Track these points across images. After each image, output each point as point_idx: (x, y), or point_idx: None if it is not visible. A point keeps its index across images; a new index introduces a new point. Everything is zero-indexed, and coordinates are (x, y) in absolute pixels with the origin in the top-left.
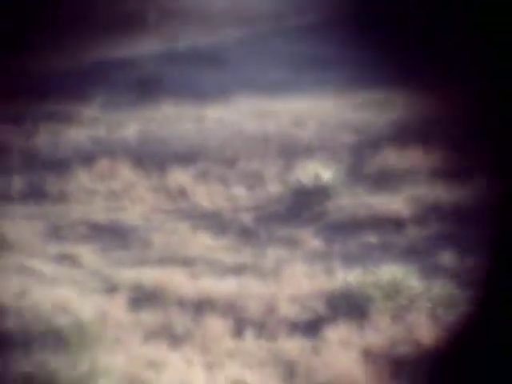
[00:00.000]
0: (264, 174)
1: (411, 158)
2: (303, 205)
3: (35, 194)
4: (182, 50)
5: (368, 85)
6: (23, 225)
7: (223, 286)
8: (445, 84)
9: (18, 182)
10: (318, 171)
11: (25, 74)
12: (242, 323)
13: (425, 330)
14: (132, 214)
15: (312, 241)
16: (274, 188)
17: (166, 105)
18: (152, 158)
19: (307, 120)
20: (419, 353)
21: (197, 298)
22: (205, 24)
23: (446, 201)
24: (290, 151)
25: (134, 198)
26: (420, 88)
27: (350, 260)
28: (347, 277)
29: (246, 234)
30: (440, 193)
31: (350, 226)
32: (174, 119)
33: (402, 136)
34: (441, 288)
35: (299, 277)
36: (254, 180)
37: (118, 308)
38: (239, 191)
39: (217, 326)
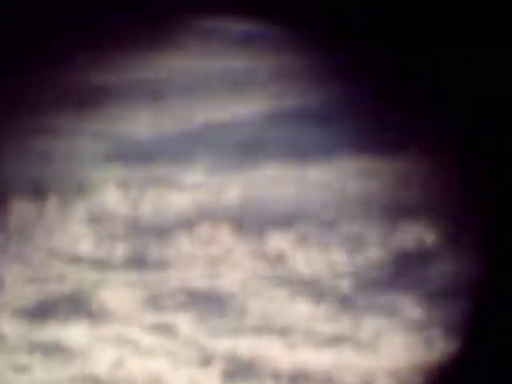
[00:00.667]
0: (365, 238)
1: None
2: (405, 270)
3: (136, 262)
4: (287, 109)
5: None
6: (123, 293)
7: (319, 358)
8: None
9: (119, 250)
10: (422, 235)
11: (127, 139)
12: None
13: None
14: (230, 281)
15: (412, 309)
16: (374, 252)
17: (269, 167)
18: (252, 222)
19: (411, 180)
20: None
21: (292, 370)
22: (309, 82)
23: None
24: (394, 213)
25: (232, 263)
26: None
27: (450, 330)
28: (446, 349)
29: (344, 302)
30: None
31: (451, 294)
32: (275, 181)
33: None
34: None
35: (397, 348)
36: (355, 244)
37: (211, 380)
38: (339, 256)
39: None
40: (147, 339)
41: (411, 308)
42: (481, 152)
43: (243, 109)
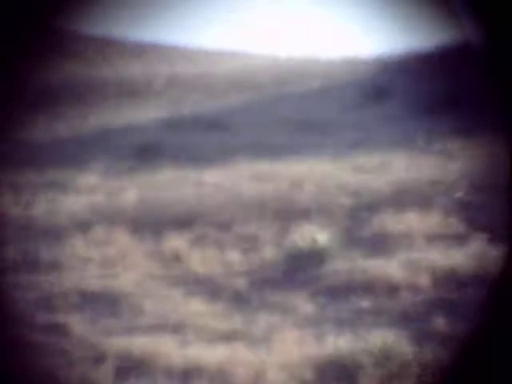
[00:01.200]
0: (259, 238)
1: (408, 221)
2: (298, 269)
3: (27, 264)
4: (184, 116)
5: (368, 148)
6: (14, 296)
7: (212, 353)
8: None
9: (10, 253)
10: (314, 235)
11: (23, 143)
12: None
13: None
14: (125, 281)
15: (304, 306)
16: (269, 252)
17: (166, 170)
18: (149, 224)
19: (305, 183)
20: None
21: (185, 366)
22: (208, 90)
23: (441, 265)
24: (287, 214)
25: (127, 264)
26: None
27: (341, 326)
28: (338, 343)
29: (238, 300)
30: (436, 257)
31: (343, 291)
32: (172, 184)
33: (399, 199)
34: (432, 354)
35: (289, 344)
36: (250, 244)
37: (104, 379)
38: (234, 256)
39: None
40: (41, 339)
41: (304, 305)
42: None
43: (139, 114)
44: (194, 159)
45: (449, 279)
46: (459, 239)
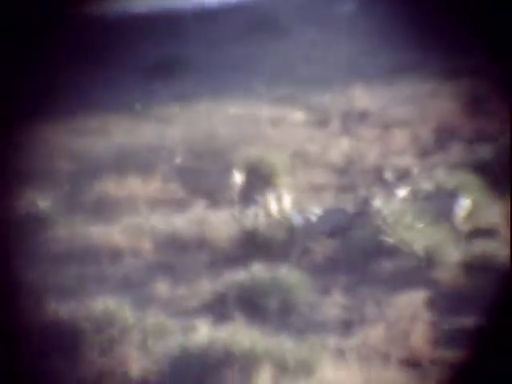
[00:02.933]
0: None
1: (130, 187)
2: (18, 235)
3: None
4: None
5: (86, 112)
6: None
7: None
8: None
9: None
10: (35, 199)
11: None
12: None
13: (134, 361)
14: None
15: (26, 274)
16: None
17: None
18: None
19: (24, 145)
20: None
21: None
22: None
23: (162, 230)
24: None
25: None
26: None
27: (63, 293)
28: (58, 311)
29: None
30: (157, 222)
31: (66, 258)
32: None
33: (120, 164)
34: (153, 318)
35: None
36: None
37: None
38: None
39: None
40: None
41: (26, 272)
42: None
43: None
44: None
45: (170, 244)
46: (180, 205)
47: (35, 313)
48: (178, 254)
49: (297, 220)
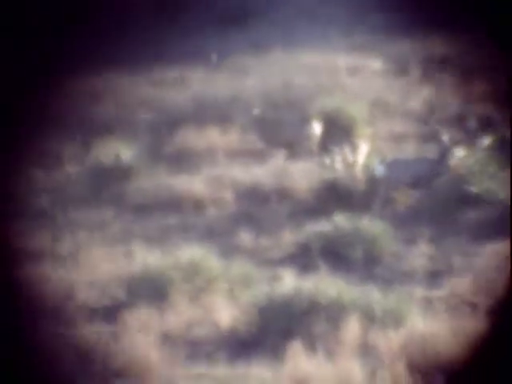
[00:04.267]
0: (62, 155)
1: (209, 137)
2: (103, 186)
3: None
4: None
5: (165, 63)
6: None
7: (18, 274)
8: None
9: None
10: (118, 151)
11: None
12: (38, 311)
13: (222, 310)
14: None
15: (112, 223)
16: (73, 169)
17: None
18: None
19: (105, 97)
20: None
21: None
22: None
23: (243, 181)
24: (89, 130)
25: None
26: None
27: (150, 242)
28: (147, 259)
29: (42, 218)
30: (238, 173)
31: (150, 208)
32: None
33: (199, 115)
34: (239, 268)
35: (98, 261)
36: (52, 161)
37: None
38: (35, 173)
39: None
40: None
41: (111, 222)
42: None
43: None
44: None
45: (250, 195)
46: (259, 156)
47: (123, 261)
48: (259, 205)
49: (377, 170)
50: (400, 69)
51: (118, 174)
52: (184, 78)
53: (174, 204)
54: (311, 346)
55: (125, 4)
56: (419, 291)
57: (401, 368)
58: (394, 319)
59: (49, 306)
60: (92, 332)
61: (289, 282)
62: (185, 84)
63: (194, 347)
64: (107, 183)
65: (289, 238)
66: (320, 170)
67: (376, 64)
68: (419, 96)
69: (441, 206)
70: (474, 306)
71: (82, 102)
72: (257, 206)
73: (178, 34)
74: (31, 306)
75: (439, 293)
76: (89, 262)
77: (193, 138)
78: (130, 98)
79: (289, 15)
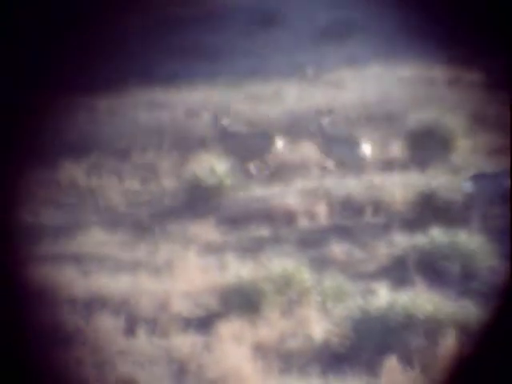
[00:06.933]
0: (158, 167)
1: (303, 150)
2: (198, 199)
3: None
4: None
5: (260, 77)
6: None
7: (115, 284)
8: None
9: None
10: (213, 164)
11: None
12: (133, 321)
13: (315, 323)
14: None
15: (206, 235)
16: (168, 182)
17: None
18: (44, 150)
19: (201, 111)
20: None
21: (88, 296)
22: None
23: (336, 193)
24: (184, 144)
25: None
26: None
27: (243, 254)
28: (239, 271)
29: (140, 230)
30: (331, 186)
31: (244, 220)
32: (65, 109)
33: (293, 128)
34: (331, 281)
35: (192, 272)
36: (148, 173)
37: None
38: (133, 185)
39: (108, 324)
40: None
41: (205, 234)
42: None
43: None
44: (83, 86)
45: (344, 207)
46: (353, 168)
47: (216, 273)
48: (353, 217)
49: (476, 183)
50: (500, 81)
51: (213, 187)
52: (279, 93)
53: (267, 216)
54: (407, 361)
55: (226, 20)
56: None
57: None
58: None
59: (143, 316)
60: (186, 342)
61: (383, 295)
62: (280, 98)
63: (287, 359)
64: (202, 196)
65: (383, 250)
66: (416, 182)
67: (475, 76)
68: None
69: None
70: None
71: (179, 117)
72: (350, 219)
73: (274, 48)
74: (125, 315)
75: None
76: (183, 273)
77: (287, 150)
78: (225, 111)
79: (387, 29)
